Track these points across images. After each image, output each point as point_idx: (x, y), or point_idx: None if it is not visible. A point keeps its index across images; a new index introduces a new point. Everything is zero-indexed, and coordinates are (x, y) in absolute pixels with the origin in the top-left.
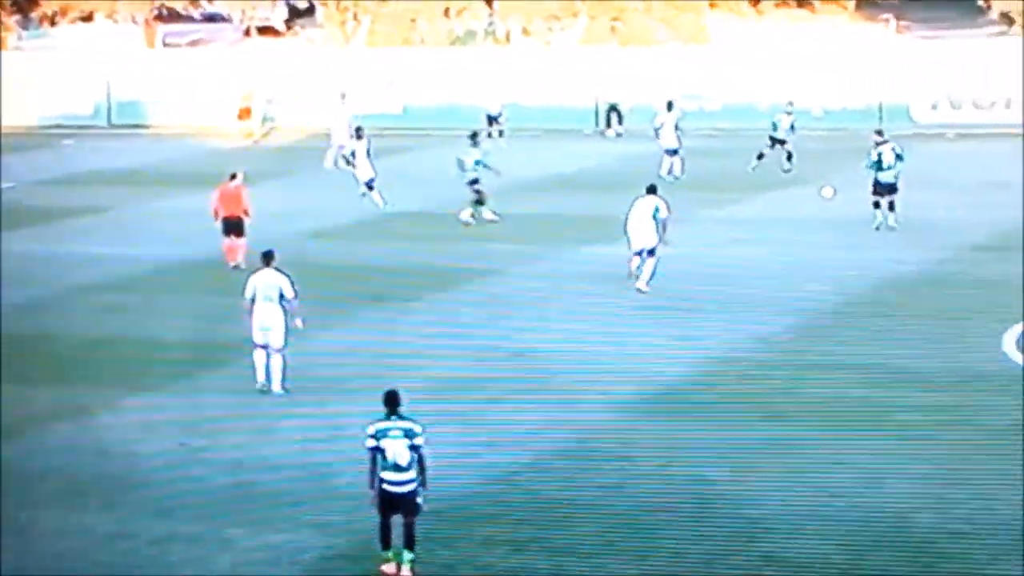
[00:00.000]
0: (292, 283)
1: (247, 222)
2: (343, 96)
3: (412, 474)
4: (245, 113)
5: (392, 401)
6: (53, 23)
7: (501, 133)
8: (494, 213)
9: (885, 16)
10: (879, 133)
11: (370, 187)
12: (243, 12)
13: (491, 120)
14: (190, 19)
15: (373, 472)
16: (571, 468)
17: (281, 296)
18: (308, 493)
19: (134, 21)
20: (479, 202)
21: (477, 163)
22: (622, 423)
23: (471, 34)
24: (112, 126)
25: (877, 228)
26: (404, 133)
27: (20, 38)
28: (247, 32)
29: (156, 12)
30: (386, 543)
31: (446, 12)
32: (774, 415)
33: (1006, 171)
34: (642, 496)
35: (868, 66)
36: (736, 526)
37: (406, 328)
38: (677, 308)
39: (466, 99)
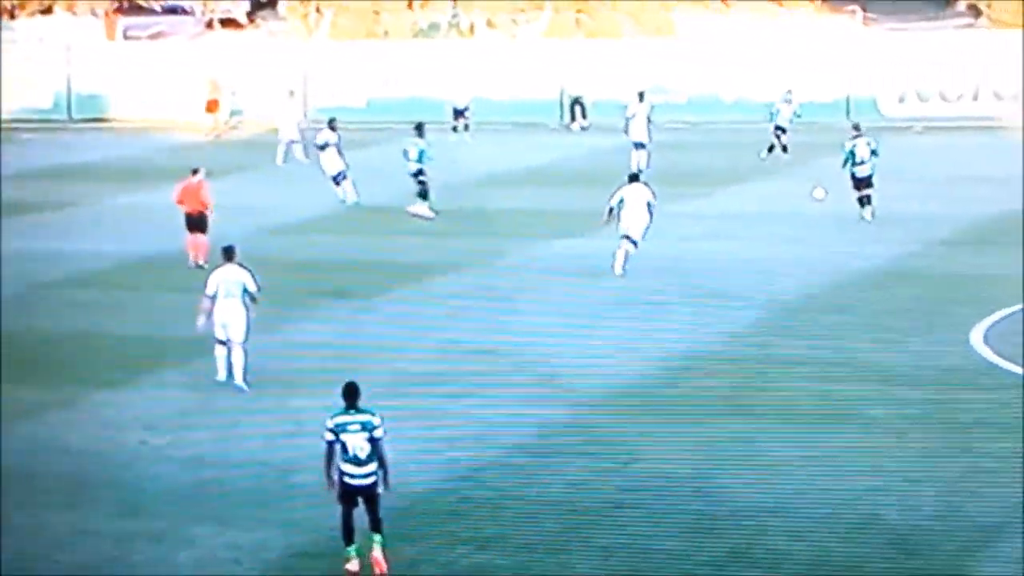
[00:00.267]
0: (254, 277)
1: (210, 217)
2: (291, 92)
3: (372, 466)
4: (213, 105)
5: (351, 394)
6: (12, 16)
7: (467, 127)
8: (432, 210)
9: (851, 8)
10: (856, 127)
11: (337, 181)
12: (204, 5)
13: (458, 113)
14: (151, 12)
15: (329, 465)
16: (535, 464)
17: (244, 291)
18: (271, 490)
19: (94, 14)
20: (422, 195)
21: (421, 154)
22: (586, 419)
23: (435, 27)
24: (73, 120)
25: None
26: (368, 127)
27: None
28: (209, 25)
29: (116, 5)
30: (349, 538)
31: (410, 4)
32: (740, 410)
33: (975, 164)
34: (606, 492)
35: (835, 59)
36: (702, 522)
37: (369, 324)
38: (642, 303)
39: (430, 92)
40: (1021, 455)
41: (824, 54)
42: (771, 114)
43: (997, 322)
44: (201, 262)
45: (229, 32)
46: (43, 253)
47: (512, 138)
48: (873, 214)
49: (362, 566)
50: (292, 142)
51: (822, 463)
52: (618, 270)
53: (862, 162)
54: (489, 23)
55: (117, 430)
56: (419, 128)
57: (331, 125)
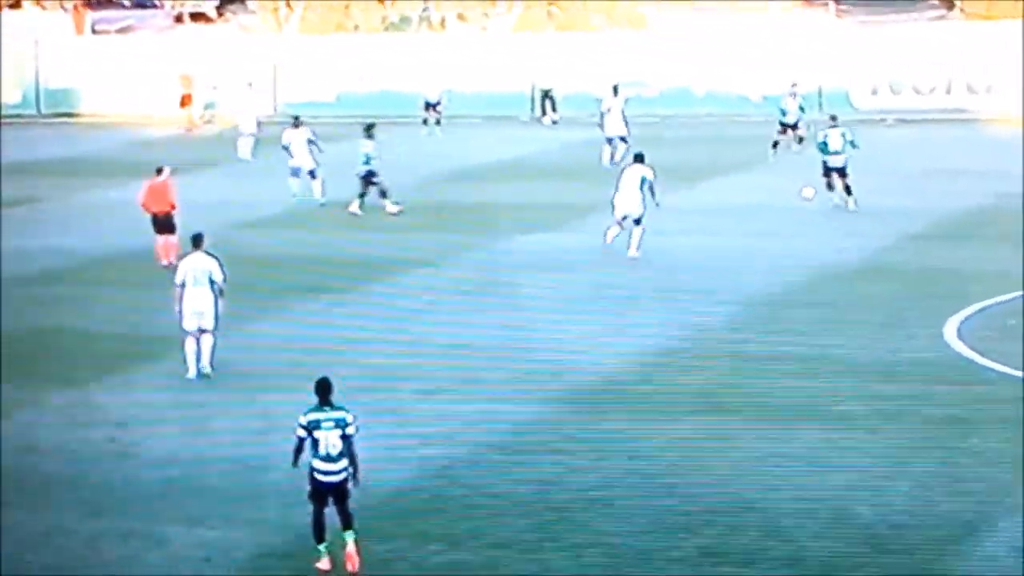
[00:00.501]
0: (222, 266)
1: (176, 217)
2: (250, 84)
3: (344, 463)
4: (187, 100)
5: (324, 389)
6: None
7: (439, 121)
8: (360, 209)
9: (824, 1)
10: (833, 118)
11: (296, 174)
12: None
13: (429, 106)
14: (120, 6)
15: (297, 457)
16: (507, 462)
17: (211, 280)
18: (241, 489)
19: (63, 7)
20: (363, 194)
21: (367, 158)
22: (559, 416)
23: (406, 20)
24: (42, 115)
25: (835, 206)
26: (337, 121)
27: None
28: (178, 19)
29: None
30: (320, 536)
31: None
32: (713, 407)
33: (949, 158)
34: (579, 490)
35: (807, 51)
36: (674, 519)
37: (340, 319)
38: (614, 299)
39: (400, 86)
40: (994, 451)
41: (797, 47)
42: (781, 111)
43: (971, 316)
44: (172, 262)
45: (199, 26)
46: (12, 249)
47: (483, 132)
48: (856, 204)
49: (333, 564)
50: (246, 135)
51: (796, 459)
52: (633, 252)
53: (835, 152)
54: (460, 16)
55: (85, 428)
56: (369, 129)
57: (295, 123)
